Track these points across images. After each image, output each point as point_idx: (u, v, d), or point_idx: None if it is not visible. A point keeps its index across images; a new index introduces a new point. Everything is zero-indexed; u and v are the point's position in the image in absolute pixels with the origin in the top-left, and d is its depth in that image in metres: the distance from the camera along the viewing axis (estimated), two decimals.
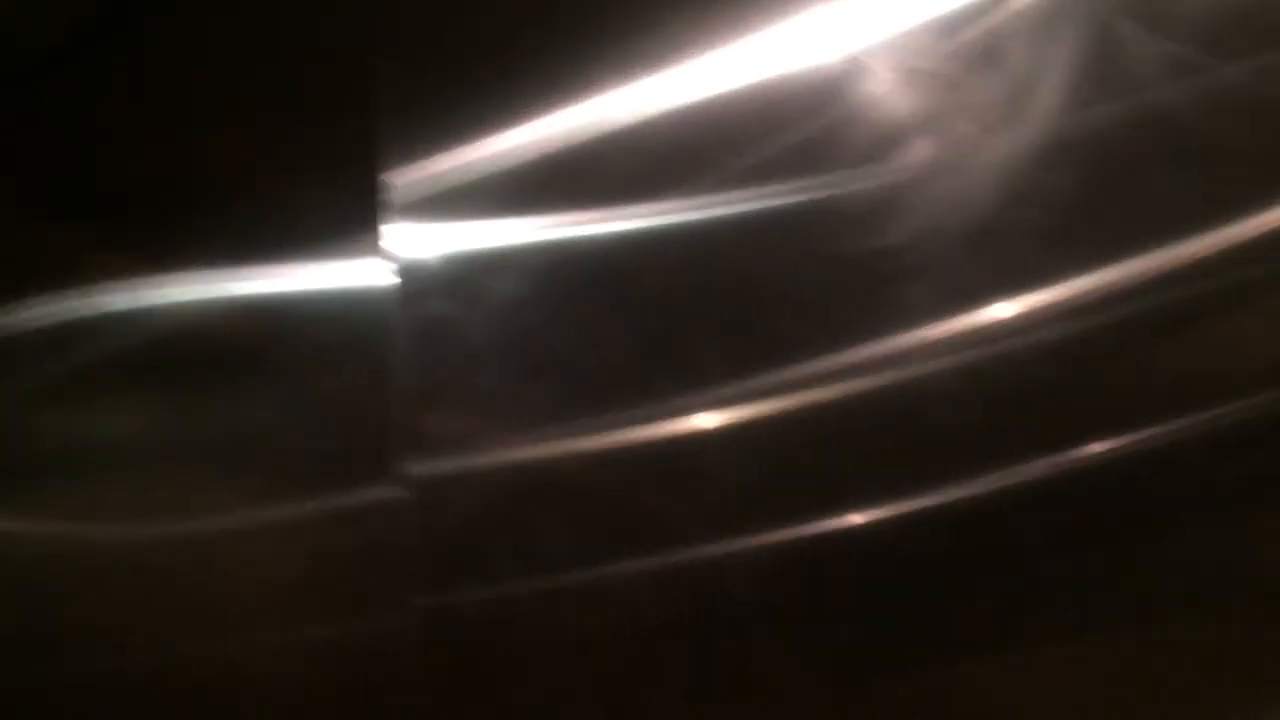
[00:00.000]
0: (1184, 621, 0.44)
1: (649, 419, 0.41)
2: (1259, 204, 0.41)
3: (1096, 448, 0.42)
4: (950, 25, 0.41)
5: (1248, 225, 0.41)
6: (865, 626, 0.43)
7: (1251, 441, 0.42)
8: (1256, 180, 0.41)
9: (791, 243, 0.41)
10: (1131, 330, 0.41)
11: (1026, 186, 0.41)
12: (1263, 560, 0.44)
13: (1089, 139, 0.41)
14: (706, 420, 0.41)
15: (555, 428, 0.41)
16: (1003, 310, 0.41)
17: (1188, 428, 0.41)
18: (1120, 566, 0.43)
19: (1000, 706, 0.44)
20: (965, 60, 0.41)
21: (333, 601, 0.42)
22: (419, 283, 0.41)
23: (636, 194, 0.41)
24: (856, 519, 0.42)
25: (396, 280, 0.41)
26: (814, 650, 0.43)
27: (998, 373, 0.41)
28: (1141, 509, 0.43)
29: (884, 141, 0.41)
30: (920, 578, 0.43)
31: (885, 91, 0.41)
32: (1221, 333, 0.42)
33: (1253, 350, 0.42)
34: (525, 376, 0.41)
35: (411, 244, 0.41)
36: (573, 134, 0.41)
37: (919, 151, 0.41)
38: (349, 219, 0.41)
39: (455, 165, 0.41)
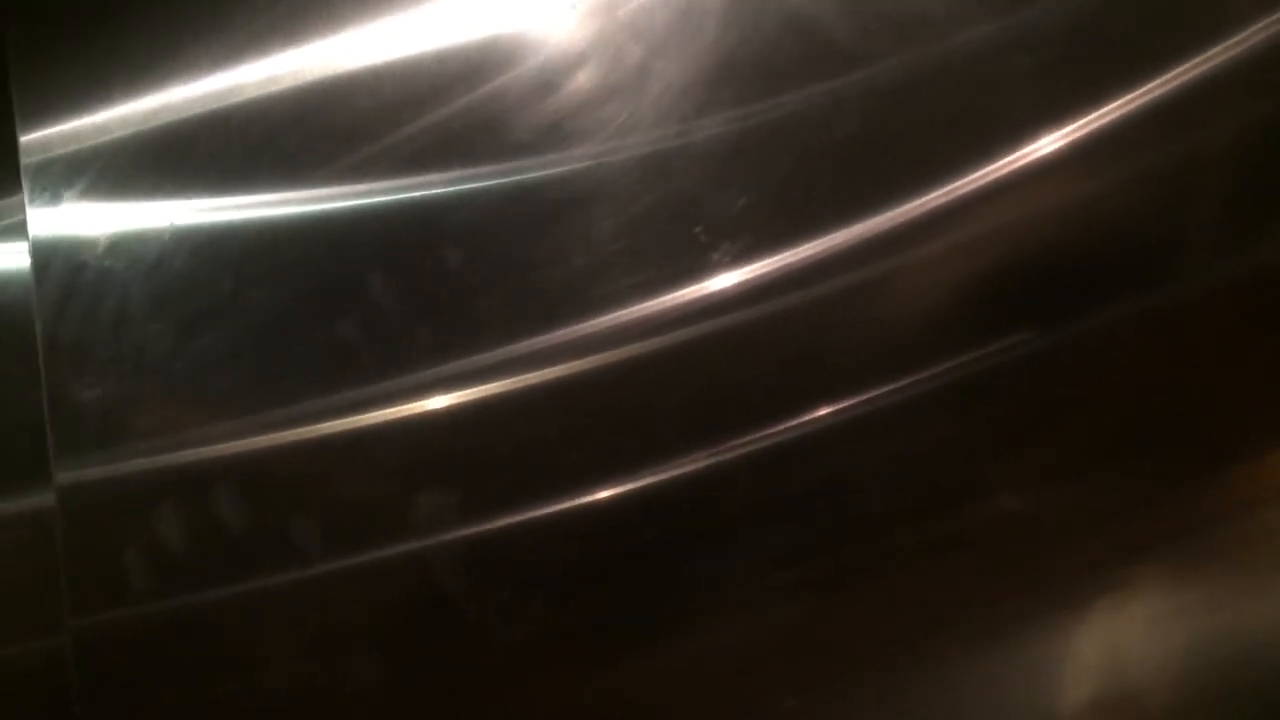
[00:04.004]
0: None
1: (356, 405, 0.39)
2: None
3: (822, 412, 0.42)
4: None
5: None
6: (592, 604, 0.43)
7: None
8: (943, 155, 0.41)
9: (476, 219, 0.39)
10: (840, 299, 0.41)
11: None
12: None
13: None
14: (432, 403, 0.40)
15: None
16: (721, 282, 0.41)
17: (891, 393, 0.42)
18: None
19: None
20: None
21: None
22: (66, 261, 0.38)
23: (298, 166, 0.38)
24: (601, 494, 0.41)
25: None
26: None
27: (712, 347, 0.40)
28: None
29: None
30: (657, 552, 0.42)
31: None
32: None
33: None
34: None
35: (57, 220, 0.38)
36: (226, 98, 0.38)
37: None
38: None
39: (96, 129, 0.38)
